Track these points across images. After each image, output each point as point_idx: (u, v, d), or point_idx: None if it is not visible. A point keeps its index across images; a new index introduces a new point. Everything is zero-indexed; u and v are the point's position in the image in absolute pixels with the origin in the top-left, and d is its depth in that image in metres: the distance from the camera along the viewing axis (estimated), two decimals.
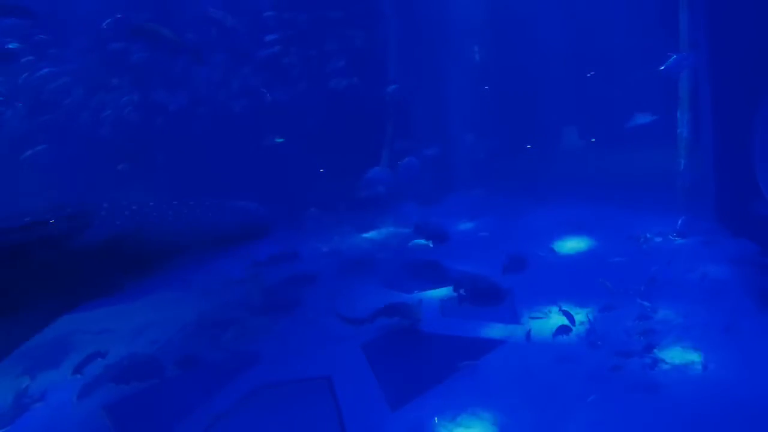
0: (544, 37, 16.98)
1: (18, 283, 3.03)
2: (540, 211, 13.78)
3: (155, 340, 9.74)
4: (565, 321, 7.80)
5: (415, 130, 17.13)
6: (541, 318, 8.44)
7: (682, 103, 12.14)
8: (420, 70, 17.05)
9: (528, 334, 7.85)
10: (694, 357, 6.95)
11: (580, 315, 8.27)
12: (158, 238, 3.84)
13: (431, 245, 11.32)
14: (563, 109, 17.38)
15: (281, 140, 13.48)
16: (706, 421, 5.83)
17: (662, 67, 9.54)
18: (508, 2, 17.66)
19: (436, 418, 6.40)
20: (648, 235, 10.91)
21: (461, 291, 8.59)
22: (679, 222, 11.05)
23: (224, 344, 9.05)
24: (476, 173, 17.20)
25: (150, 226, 3.76)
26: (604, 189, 13.99)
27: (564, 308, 8.11)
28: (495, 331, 8.21)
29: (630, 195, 13.42)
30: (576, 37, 16.77)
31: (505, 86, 17.92)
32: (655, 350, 7.04)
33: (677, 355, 7.00)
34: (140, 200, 4.01)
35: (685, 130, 12.15)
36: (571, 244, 11.36)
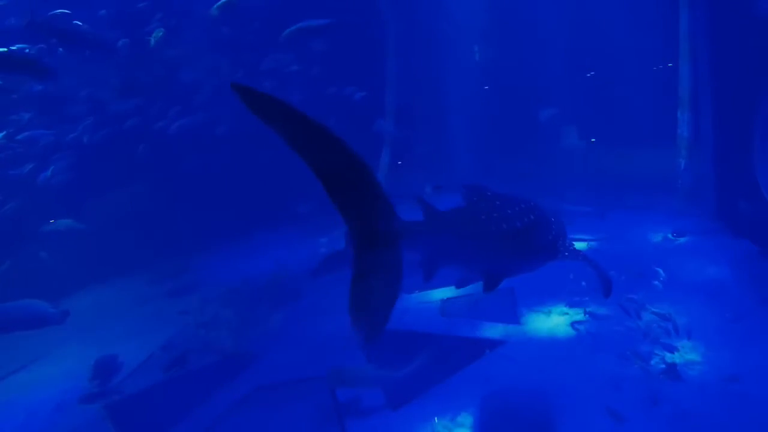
0: (544, 38, 16.98)
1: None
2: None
3: (153, 338, 9.76)
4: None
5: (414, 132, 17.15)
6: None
7: (682, 103, 12.12)
8: (418, 74, 17.03)
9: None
10: (693, 357, 6.95)
11: (580, 315, 8.28)
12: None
13: None
14: (563, 109, 17.38)
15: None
16: (705, 420, 5.83)
17: None
18: (505, 2, 17.64)
19: (436, 418, 6.40)
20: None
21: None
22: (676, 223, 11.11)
23: (224, 344, 9.06)
24: (475, 174, 17.19)
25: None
26: (604, 189, 13.99)
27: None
28: (495, 331, 8.22)
29: (630, 195, 13.43)
30: (576, 37, 16.76)
31: (502, 87, 17.93)
32: (656, 350, 7.04)
33: (677, 355, 7.00)
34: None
35: (685, 130, 12.14)
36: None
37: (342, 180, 2.52)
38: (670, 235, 10.98)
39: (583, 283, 8.58)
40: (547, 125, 16.47)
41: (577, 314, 8.32)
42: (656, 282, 8.36)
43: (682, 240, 10.78)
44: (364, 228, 2.69)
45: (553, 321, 8.32)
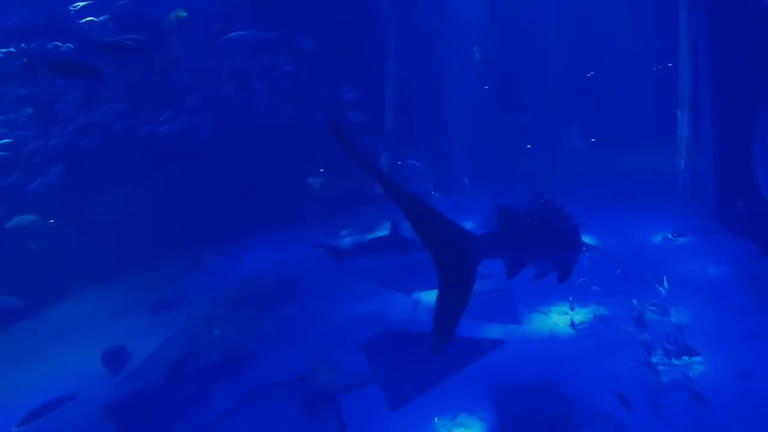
0: (544, 38, 16.99)
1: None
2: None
3: (153, 339, 9.76)
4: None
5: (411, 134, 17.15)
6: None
7: (682, 103, 12.12)
8: (416, 74, 17.02)
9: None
10: (695, 356, 6.93)
11: (581, 315, 8.27)
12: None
13: None
14: (564, 109, 17.40)
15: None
16: (704, 420, 5.83)
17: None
18: (506, 3, 17.65)
19: (436, 418, 6.40)
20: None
21: None
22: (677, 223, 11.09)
23: (224, 344, 9.06)
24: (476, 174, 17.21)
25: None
26: (605, 189, 14.00)
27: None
28: (495, 331, 8.21)
29: (630, 195, 13.43)
30: (576, 37, 16.77)
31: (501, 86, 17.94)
32: (656, 350, 7.03)
33: (682, 357, 6.98)
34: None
35: (685, 130, 12.13)
36: None
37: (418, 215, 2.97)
38: (670, 235, 10.98)
39: (595, 288, 8.55)
40: (532, 127, 16.64)
41: (578, 314, 8.31)
42: (660, 288, 8.32)
43: (682, 240, 10.77)
44: (448, 253, 3.04)
45: (553, 321, 8.31)
